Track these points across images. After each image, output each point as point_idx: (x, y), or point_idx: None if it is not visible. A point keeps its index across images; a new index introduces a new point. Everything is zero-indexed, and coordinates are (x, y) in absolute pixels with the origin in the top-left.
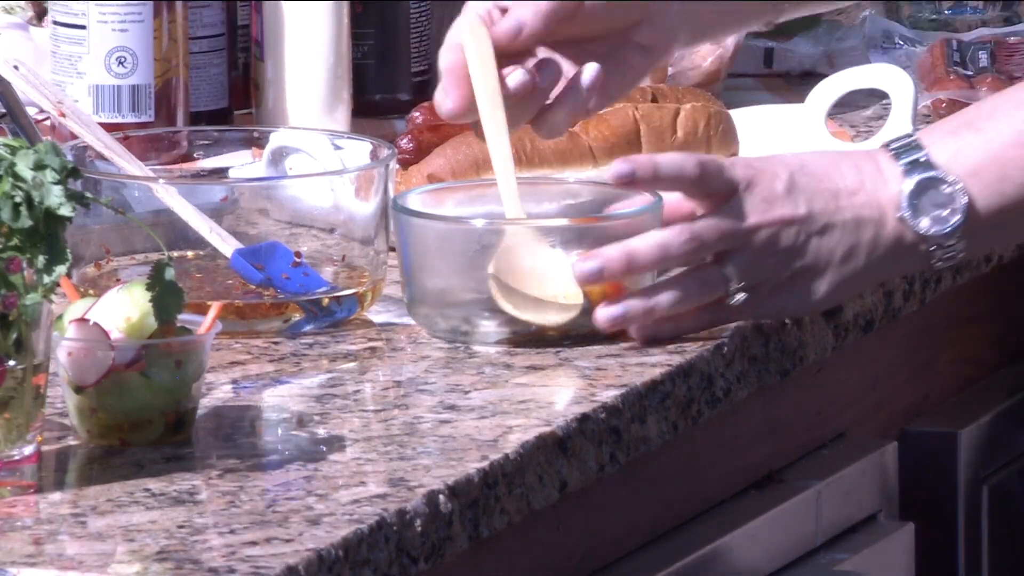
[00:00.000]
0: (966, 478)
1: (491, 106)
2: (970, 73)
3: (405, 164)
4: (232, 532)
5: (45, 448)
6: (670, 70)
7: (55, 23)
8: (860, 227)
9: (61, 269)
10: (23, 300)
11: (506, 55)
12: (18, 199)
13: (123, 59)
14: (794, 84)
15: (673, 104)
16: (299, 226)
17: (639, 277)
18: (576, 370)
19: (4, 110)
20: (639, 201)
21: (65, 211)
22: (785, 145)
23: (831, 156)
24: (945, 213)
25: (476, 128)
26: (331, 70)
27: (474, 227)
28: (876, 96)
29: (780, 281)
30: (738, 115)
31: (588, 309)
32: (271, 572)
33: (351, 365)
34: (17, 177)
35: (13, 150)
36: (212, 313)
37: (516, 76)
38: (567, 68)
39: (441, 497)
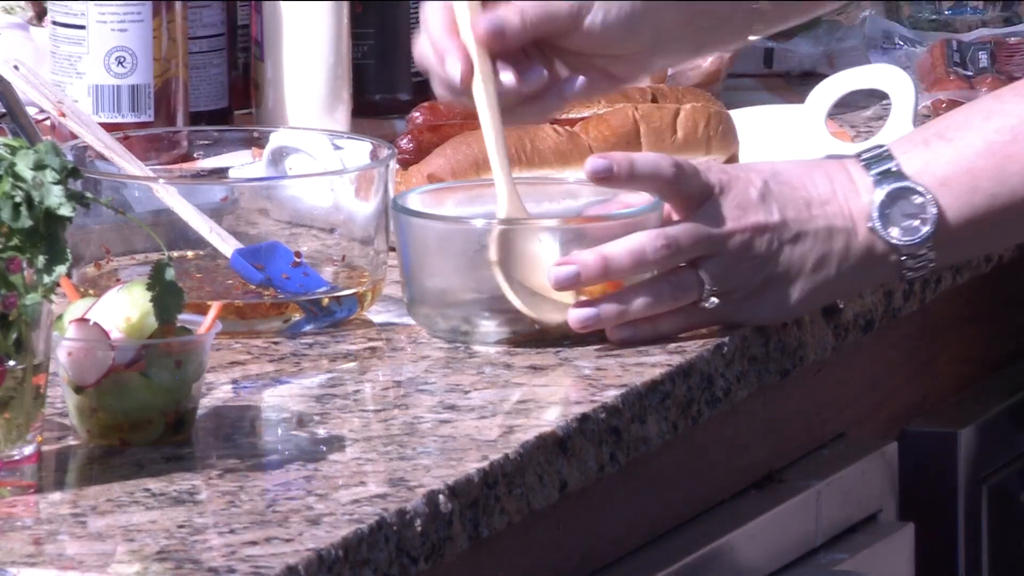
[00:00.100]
0: (966, 478)
1: (485, 81)
2: (970, 73)
3: (405, 164)
4: (232, 532)
5: (45, 448)
6: (670, 70)
7: (54, 23)
8: (832, 236)
9: (61, 269)
10: (23, 300)
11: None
12: (18, 199)
13: (123, 59)
14: (794, 84)
15: (673, 104)
16: (299, 226)
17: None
18: (576, 370)
19: (4, 110)
20: (638, 201)
21: (65, 211)
22: (785, 145)
23: (803, 165)
24: (916, 223)
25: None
26: (331, 70)
27: (474, 227)
28: (876, 96)
29: (753, 287)
30: (738, 115)
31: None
32: (271, 572)
33: (351, 365)
34: (17, 177)
35: (13, 150)
36: (212, 313)
37: (503, 77)
38: (548, 66)
39: (441, 497)
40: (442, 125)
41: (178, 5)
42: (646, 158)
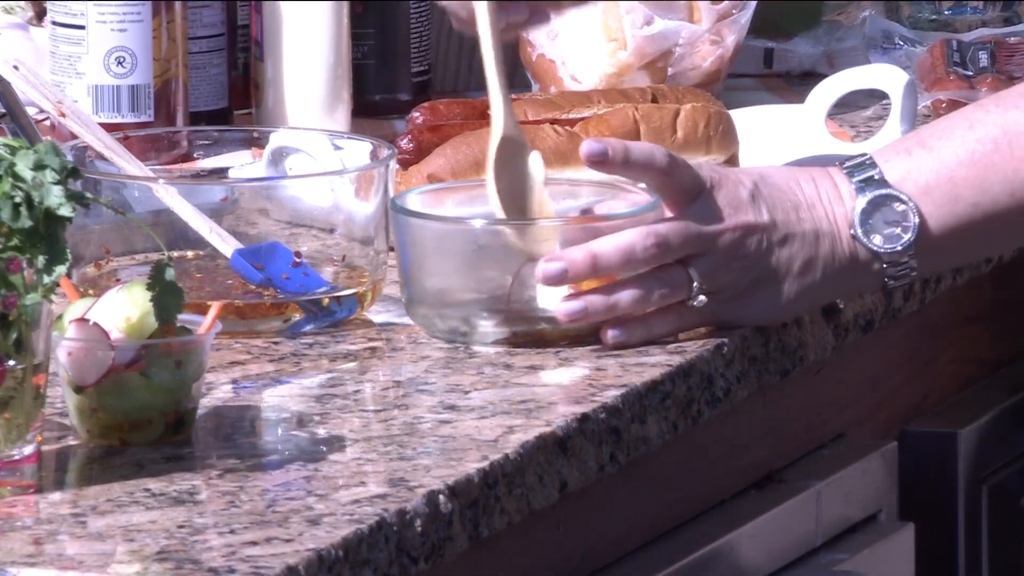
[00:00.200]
0: (966, 478)
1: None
2: (970, 73)
3: (405, 164)
4: (232, 532)
5: (45, 448)
6: (670, 70)
7: (54, 23)
8: (819, 240)
9: (61, 269)
10: (23, 300)
11: None
12: (18, 199)
13: (122, 59)
14: (794, 84)
15: (673, 104)
16: (299, 226)
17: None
18: (576, 370)
19: (4, 110)
20: (638, 201)
21: (65, 211)
22: (785, 145)
23: (789, 170)
24: (897, 231)
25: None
26: (331, 70)
27: (473, 227)
28: (876, 96)
29: (741, 287)
30: (738, 115)
31: None
32: (271, 572)
33: (351, 365)
34: (17, 177)
35: (13, 150)
36: (212, 313)
37: None
38: None
39: (441, 497)
40: (442, 125)
41: (178, 5)
42: (641, 146)
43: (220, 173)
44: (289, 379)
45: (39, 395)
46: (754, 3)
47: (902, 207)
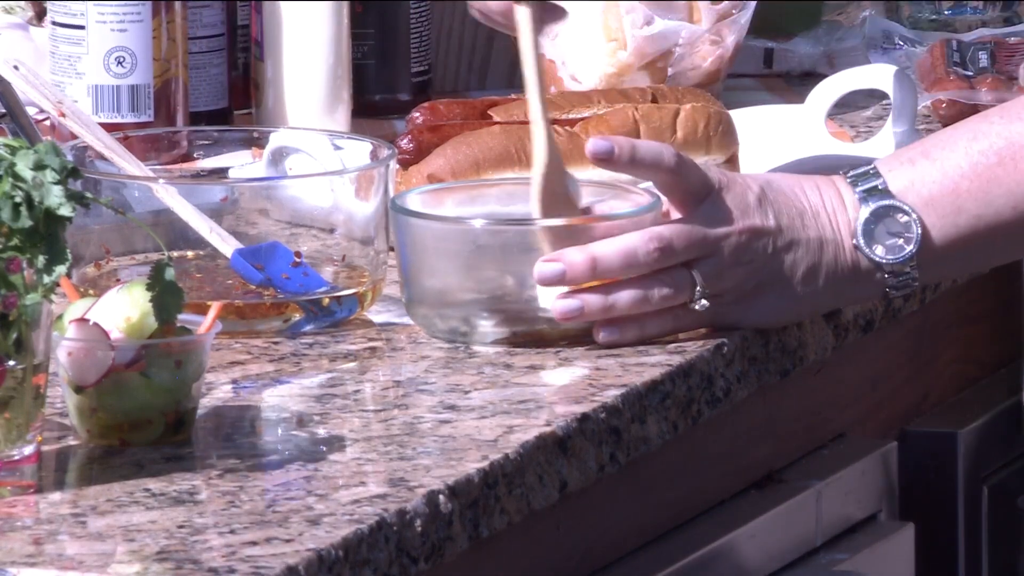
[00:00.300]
0: (966, 478)
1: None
2: (970, 73)
3: (405, 164)
4: (232, 532)
5: (45, 448)
6: (670, 70)
7: (54, 23)
8: (823, 247)
9: (61, 269)
10: (23, 300)
11: None
12: (18, 199)
13: (122, 59)
14: (794, 84)
15: (673, 104)
16: (299, 226)
17: None
18: (576, 370)
19: (4, 110)
20: (640, 202)
21: (65, 211)
22: (785, 145)
23: (795, 178)
24: (899, 242)
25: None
26: (331, 70)
27: (472, 227)
28: (876, 96)
29: (744, 291)
30: (738, 115)
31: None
32: (271, 572)
33: (351, 365)
34: (17, 177)
35: (13, 150)
36: (212, 313)
37: None
38: None
39: (441, 497)
40: (442, 125)
41: (178, 5)
42: (649, 145)
43: (220, 173)
44: (289, 379)
45: (39, 395)
46: (754, 3)
47: (905, 218)
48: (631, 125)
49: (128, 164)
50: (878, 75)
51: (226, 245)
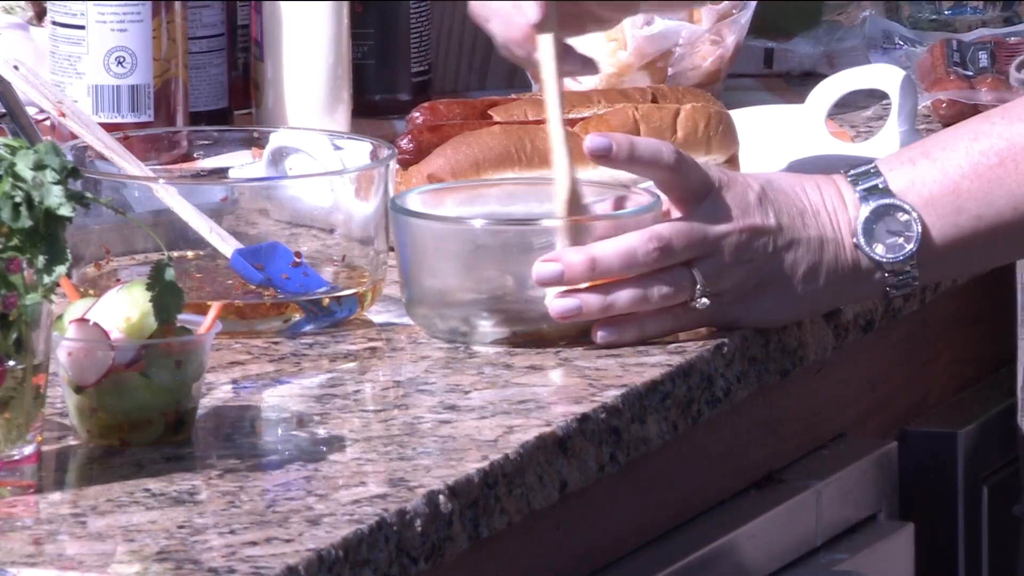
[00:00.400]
0: (966, 478)
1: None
2: (970, 73)
3: (405, 164)
4: (232, 532)
5: (45, 448)
6: (670, 70)
7: (54, 23)
8: (823, 246)
9: (61, 269)
10: (23, 300)
11: None
12: (18, 199)
13: (122, 59)
14: (794, 84)
15: (673, 104)
16: (299, 226)
17: None
18: (576, 370)
19: (4, 110)
20: (640, 201)
21: (65, 211)
22: (785, 145)
23: (795, 177)
24: (900, 241)
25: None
26: (331, 70)
27: (472, 227)
28: (876, 96)
29: (744, 291)
30: (738, 115)
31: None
32: (271, 572)
33: (351, 365)
34: (17, 177)
35: (13, 150)
36: (212, 313)
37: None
38: None
39: (441, 497)
40: (442, 125)
41: (178, 5)
42: (648, 142)
43: (220, 173)
44: (289, 379)
45: (39, 395)
46: (754, 3)
47: (905, 217)
48: (631, 125)
49: (128, 164)
50: (878, 75)
51: (226, 245)
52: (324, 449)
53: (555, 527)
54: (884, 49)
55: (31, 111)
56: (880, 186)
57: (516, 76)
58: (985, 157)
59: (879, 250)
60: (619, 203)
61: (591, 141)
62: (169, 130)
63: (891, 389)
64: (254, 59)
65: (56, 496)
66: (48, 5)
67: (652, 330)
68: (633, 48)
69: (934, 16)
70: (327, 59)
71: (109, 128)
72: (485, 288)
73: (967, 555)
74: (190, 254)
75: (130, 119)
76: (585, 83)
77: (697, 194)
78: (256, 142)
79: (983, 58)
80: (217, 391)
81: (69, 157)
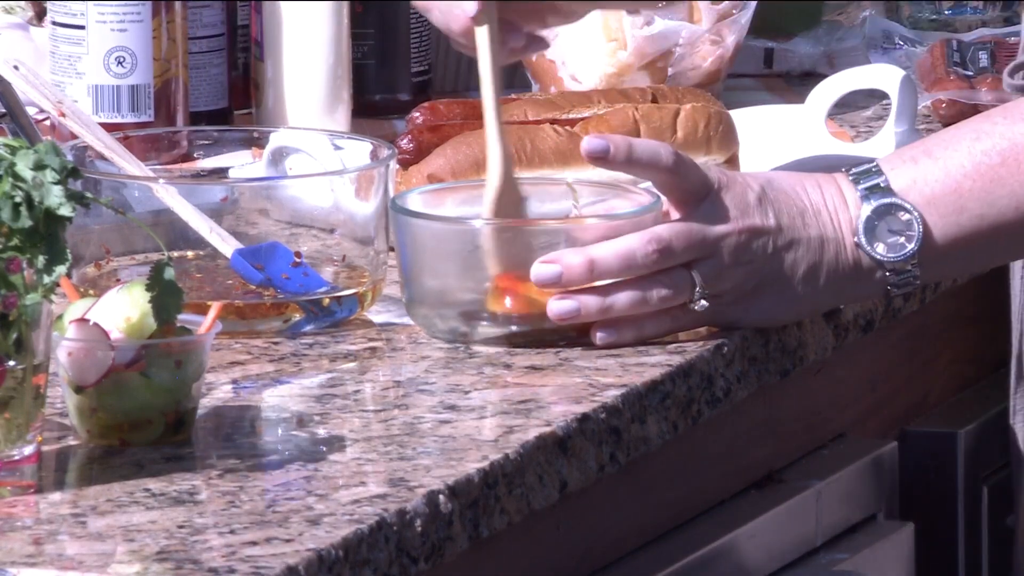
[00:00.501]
0: (966, 478)
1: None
2: (970, 73)
3: (405, 164)
4: (232, 532)
5: (45, 448)
6: (670, 70)
7: (54, 23)
8: (824, 246)
9: (61, 269)
10: (23, 300)
11: None
12: (18, 199)
13: (122, 59)
14: (794, 84)
15: (673, 104)
16: (299, 226)
17: None
18: (576, 370)
19: (4, 110)
20: (641, 202)
21: (65, 211)
22: (785, 145)
23: (796, 176)
24: (901, 240)
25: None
26: (331, 70)
27: (472, 227)
28: (876, 96)
29: (744, 291)
30: (738, 115)
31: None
32: (271, 572)
33: (351, 365)
34: (17, 177)
35: (13, 150)
36: (212, 313)
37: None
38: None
39: (441, 497)
40: (442, 125)
41: (178, 5)
42: (646, 144)
43: (220, 173)
44: (289, 379)
45: (39, 395)
46: (754, 3)
47: (907, 216)
48: (631, 125)
49: (128, 164)
50: (878, 75)
51: (226, 245)
52: (324, 449)
53: (555, 527)
54: (884, 49)
55: (31, 111)
56: (882, 185)
57: (516, 76)
58: (987, 156)
59: (880, 249)
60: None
61: (589, 143)
62: (169, 130)
63: (891, 389)
64: (254, 59)
65: (56, 496)
66: (48, 5)
67: (651, 331)
68: (633, 48)
69: (934, 16)
70: (327, 59)
71: (109, 128)
72: (485, 288)
73: (967, 555)
74: (190, 254)
75: (130, 119)
76: (585, 83)
77: (696, 195)
78: (256, 142)
79: (983, 58)
80: (217, 391)
81: (69, 157)
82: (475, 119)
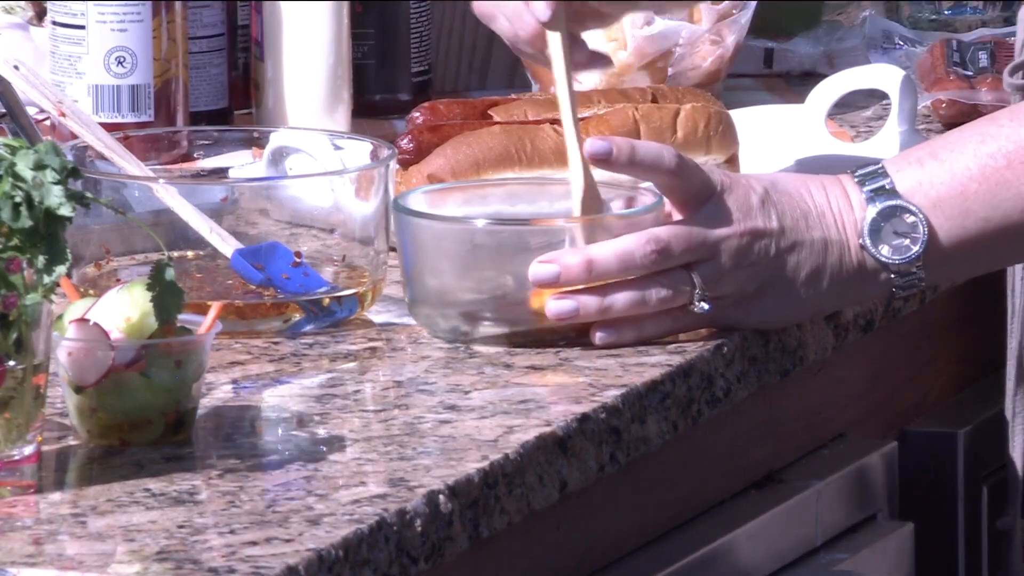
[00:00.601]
0: (966, 478)
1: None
2: (970, 73)
3: (405, 164)
4: (232, 532)
5: (45, 448)
6: (670, 70)
7: (54, 23)
8: (827, 248)
9: (61, 269)
10: (23, 300)
11: None
12: (18, 199)
13: (122, 59)
14: (794, 84)
15: (673, 104)
16: (299, 226)
17: None
18: (576, 370)
19: (4, 110)
20: (639, 201)
21: (65, 211)
22: (785, 145)
23: (800, 178)
24: (906, 242)
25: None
26: (331, 70)
27: (472, 227)
28: (876, 96)
29: (746, 294)
30: (738, 115)
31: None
32: (271, 572)
33: (351, 365)
34: (17, 177)
35: (13, 150)
36: (212, 313)
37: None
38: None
39: (441, 497)
40: (442, 125)
41: (178, 5)
42: (648, 146)
43: (220, 173)
44: (289, 379)
45: (39, 395)
46: (754, 3)
47: (912, 219)
48: (631, 125)
49: (128, 164)
50: (878, 75)
51: (226, 245)
52: (324, 449)
53: (555, 527)
54: (884, 49)
55: (31, 111)
56: (887, 187)
57: (516, 76)
58: (993, 159)
59: (885, 251)
60: (628, 203)
61: (591, 145)
62: (169, 130)
63: (891, 389)
64: (254, 59)
65: (56, 496)
66: (48, 5)
67: (651, 332)
68: (633, 48)
69: (934, 16)
70: (327, 59)
71: (109, 128)
72: (486, 288)
73: (967, 555)
74: (190, 254)
75: (130, 119)
76: (585, 83)
77: (698, 198)
78: (256, 142)
79: (983, 58)
80: (217, 391)
81: (69, 157)
82: (475, 119)
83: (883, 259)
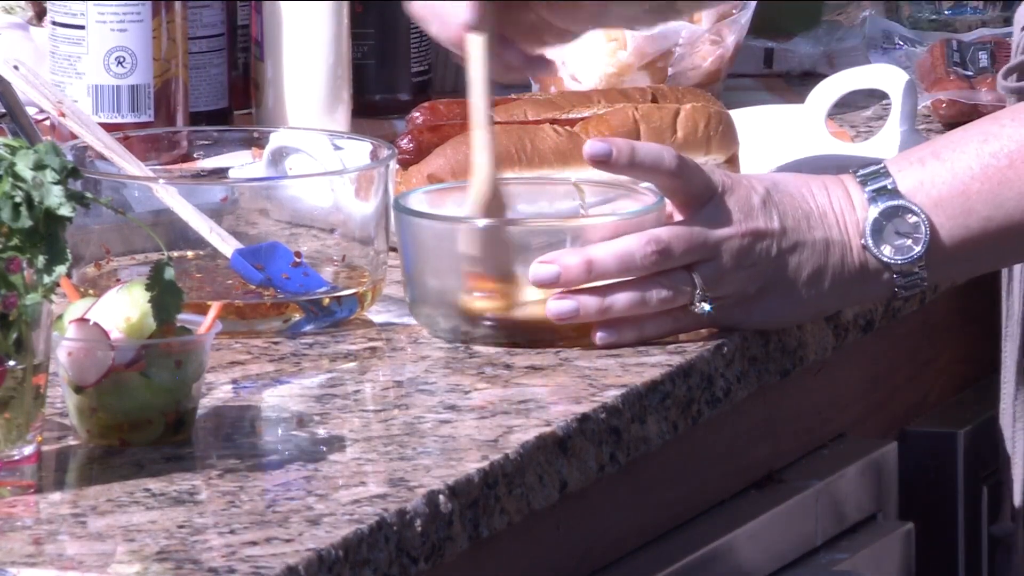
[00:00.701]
0: (966, 478)
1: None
2: (970, 73)
3: (405, 164)
4: (232, 532)
5: (45, 448)
6: (670, 70)
7: (54, 23)
8: (829, 249)
9: (61, 269)
10: (23, 300)
11: None
12: (18, 199)
13: (122, 59)
14: (794, 84)
15: (673, 104)
16: (299, 226)
17: None
18: (576, 370)
19: (4, 110)
20: (640, 201)
21: (65, 211)
22: (785, 145)
23: (802, 178)
24: (908, 242)
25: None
26: (331, 70)
27: (475, 227)
28: (876, 96)
29: (747, 295)
30: (738, 115)
31: None
32: (271, 572)
33: (351, 365)
34: (17, 177)
35: (13, 150)
36: (212, 313)
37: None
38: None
39: (441, 497)
40: (442, 125)
41: (178, 5)
42: (648, 147)
43: (220, 173)
44: (289, 379)
45: (39, 395)
46: (754, 3)
47: (914, 219)
48: (631, 125)
49: (128, 164)
50: (878, 75)
51: (226, 245)
52: (324, 449)
53: (555, 527)
54: (884, 49)
55: (31, 111)
56: (889, 187)
57: None
58: (995, 159)
59: (887, 251)
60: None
61: (591, 147)
62: (169, 130)
63: (891, 389)
64: (254, 59)
65: (56, 496)
66: (48, 5)
67: (652, 332)
68: (633, 48)
69: (934, 16)
70: (327, 59)
71: (109, 128)
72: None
73: (967, 555)
74: (190, 254)
75: (130, 119)
76: (585, 83)
77: (699, 198)
78: (256, 142)
79: (983, 58)
80: (217, 391)
81: (69, 157)
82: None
83: (885, 259)
